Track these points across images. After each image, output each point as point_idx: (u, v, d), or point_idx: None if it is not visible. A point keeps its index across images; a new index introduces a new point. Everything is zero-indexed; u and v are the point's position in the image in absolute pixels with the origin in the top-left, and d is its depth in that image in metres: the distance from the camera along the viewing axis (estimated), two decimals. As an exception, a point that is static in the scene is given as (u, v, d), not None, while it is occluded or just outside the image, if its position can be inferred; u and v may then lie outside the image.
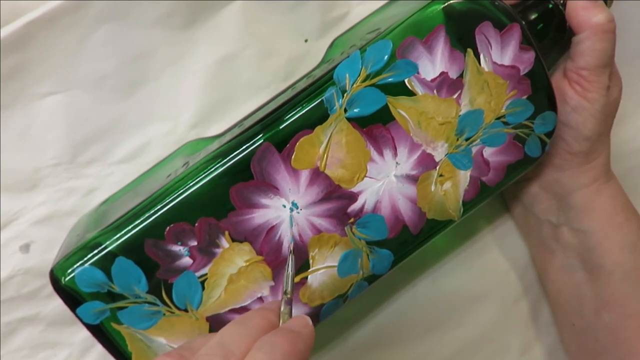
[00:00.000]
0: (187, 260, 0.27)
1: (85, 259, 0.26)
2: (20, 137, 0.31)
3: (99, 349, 0.34)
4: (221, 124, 0.34)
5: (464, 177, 0.30)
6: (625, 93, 0.40)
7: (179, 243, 0.26)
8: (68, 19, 0.30)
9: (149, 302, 0.27)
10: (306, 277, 0.28)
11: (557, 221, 0.35)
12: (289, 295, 0.24)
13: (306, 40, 0.35)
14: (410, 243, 0.30)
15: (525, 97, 0.29)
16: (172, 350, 0.22)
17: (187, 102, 0.33)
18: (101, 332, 0.26)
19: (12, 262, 0.32)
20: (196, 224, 0.26)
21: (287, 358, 0.20)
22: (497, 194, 0.38)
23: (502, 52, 0.28)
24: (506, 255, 0.40)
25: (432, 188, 0.29)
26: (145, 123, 0.33)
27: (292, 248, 0.28)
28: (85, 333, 0.34)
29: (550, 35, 0.32)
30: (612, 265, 0.33)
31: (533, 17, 0.32)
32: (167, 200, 0.26)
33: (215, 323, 0.28)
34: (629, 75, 0.40)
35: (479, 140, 0.29)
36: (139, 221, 0.26)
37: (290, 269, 0.26)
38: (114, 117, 0.32)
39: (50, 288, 0.32)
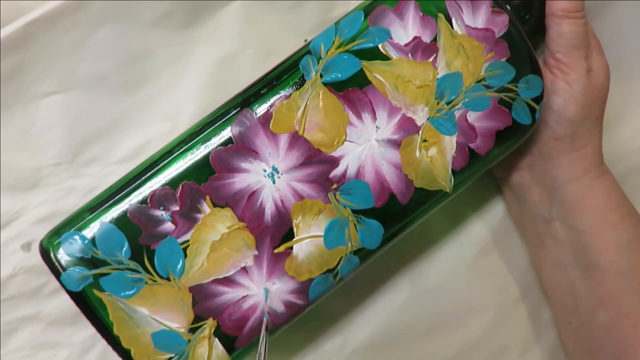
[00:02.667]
0: (169, 226, 0.27)
1: (71, 227, 0.27)
2: (21, 137, 0.32)
3: (99, 350, 0.34)
4: None
5: (450, 143, 0.29)
6: (625, 94, 0.40)
7: (161, 208, 0.27)
8: (68, 19, 0.31)
9: (131, 269, 0.27)
10: (291, 247, 0.28)
11: (550, 215, 0.34)
12: None
13: (306, 40, 0.35)
14: (401, 215, 0.29)
15: (504, 59, 0.29)
16: None
17: (187, 102, 0.34)
18: (83, 300, 0.26)
19: (13, 261, 0.33)
20: (178, 189, 0.27)
21: None
22: (491, 183, 0.38)
23: (474, 15, 0.29)
24: (506, 256, 0.38)
25: (417, 154, 0.29)
26: (145, 123, 0.34)
27: (266, 324, 0.27)
28: (85, 333, 0.34)
29: (532, 22, 0.32)
30: (607, 264, 0.32)
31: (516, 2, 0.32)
32: (151, 168, 0.27)
33: (198, 294, 0.27)
34: (628, 76, 0.39)
35: (461, 104, 0.29)
36: (123, 189, 0.27)
37: (262, 347, 0.25)
38: (114, 116, 0.33)
39: (51, 286, 0.33)
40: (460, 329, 0.37)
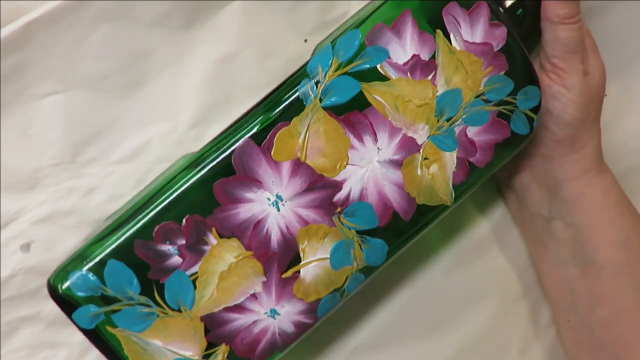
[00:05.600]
0: (176, 260, 0.27)
1: (79, 265, 0.27)
2: (20, 137, 0.32)
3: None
4: (221, 123, 0.34)
5: (450, 158, 0.29)
6: (624, 93, 0.40)
7: (168, 242, 0.27)
8: (68, 18, 0.31)
9: (142, 304, 0.27)
10: (298, 271, 0.28)
11: (549, 214, 0.35)
12: None
13: (306, 40, 0.35)
14: (404, 231, 0.29)
15: (502, 72, 0.29)
16: None
17: (187, 101, 0.34)
18: (97, 336, 0.27)
19: (13, 262, 0.32)
20: (183, 222, 0.27)
21: None
22: (491, 181, 0.38)
23: (472, 30, 0.28)
24: (506, 254, 0.39)
25: (418, 172, 0.29)
26: (145, 123, 0.33)
27: None
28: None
29: (528, 22, 0.32)
30: (604, 261, 0.33)
31: (510, 3, 0.32)
32: (154, 202, 0.27)
33: (210, 323, 0.28)
34: (628, 75, 0.39)
35: (460, 120, 0.29)
36: (128, 225, 0.27)
37: None
38: (114, 116, 0.33)
39: None
40: (460, 328, 0.38)
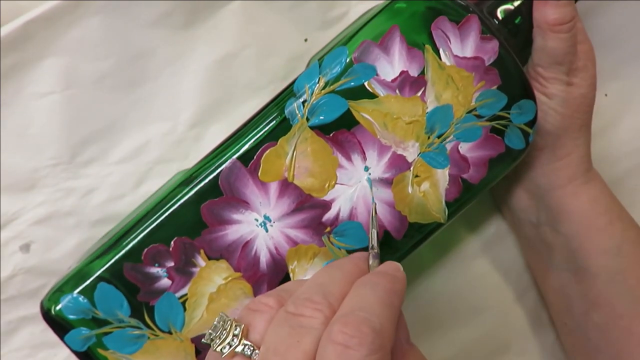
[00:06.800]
0: (166, 282, 0.27)
1: (71, 287, 0.27)
2: (18, 137, 0.32)
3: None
4: (220, 123, 0.34)
5: (443, 176, 0.29)
6: (625, 94, 0.39)
7: (156, 265, 0.27)
8: (67, 18, 0.31)
9: (132, 326, 0.27)
10: (289, 292, 0.28)
11: (537, 221, 0.34)
12: (375, 250, 0.25)
13: (306, 40, 0.35)
14: (396, 249, 0.29)
15: (495, 87, 0.28)
16: (270, 291, 0.23)
17: (187, 101, 0.34)
18: (89, 358, 0.27)
19: (12, 262, 0.32)
20: (171, 245, 0.27)
21: (389, 294, 0.21)
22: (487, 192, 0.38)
23: (462, 44, 0.28)
24: (507, 254, 0.38)
25: (409, 190, 0.28)
26: (144, 123, 0.33)
27: (374, 206, 0.28)
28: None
29: (523, 34, 0.31)
30: (596, 269, 0.32)
31: (503, 14, 0.31)
32: (143, 225, 0.27)
33: (201, 344, 0.28)
34: (628, 75, 0.38)
35: (452, 136, 0.28)
36: (117, 247, 0.27)
37: (373, 225, 0.26)
38: (113, 116, 0.33)
39: (50, 287, 0.33)
40: (459, 328, 0.37)
